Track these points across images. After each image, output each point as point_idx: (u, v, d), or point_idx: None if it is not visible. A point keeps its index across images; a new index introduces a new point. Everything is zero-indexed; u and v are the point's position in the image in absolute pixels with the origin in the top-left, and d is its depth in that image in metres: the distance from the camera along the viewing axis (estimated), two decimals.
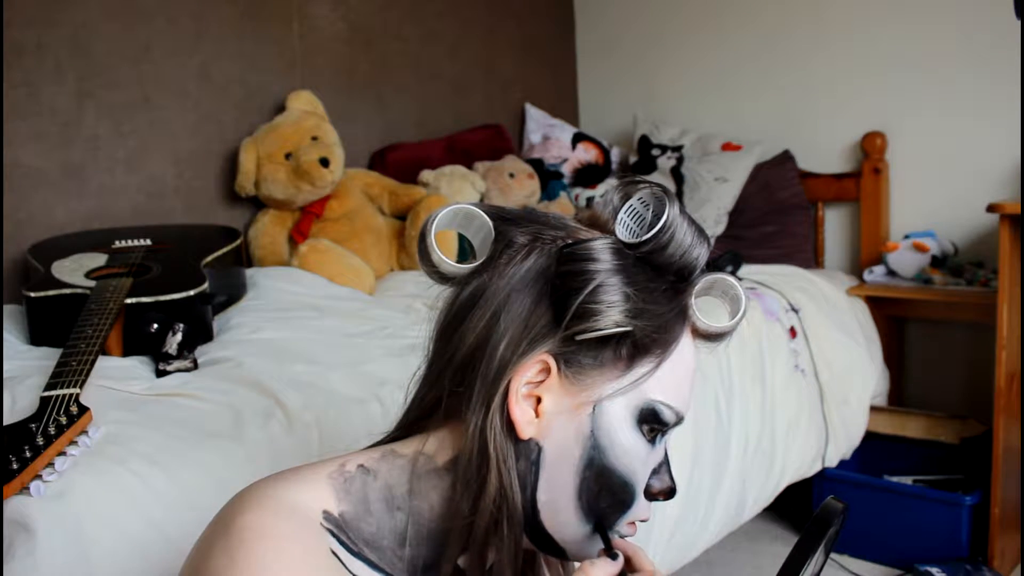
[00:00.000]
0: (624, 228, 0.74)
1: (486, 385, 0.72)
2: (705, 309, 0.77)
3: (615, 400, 0.73)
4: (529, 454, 0.73)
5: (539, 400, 0.73)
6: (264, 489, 0.70)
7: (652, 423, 0.74)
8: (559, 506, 0.73)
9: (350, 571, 0.70)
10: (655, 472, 0.76)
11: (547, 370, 0.72)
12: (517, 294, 0.73)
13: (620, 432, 0.73)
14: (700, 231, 0.75)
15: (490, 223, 0.76)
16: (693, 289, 0.75)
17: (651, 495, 0.76)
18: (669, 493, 0.77)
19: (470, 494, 0.72)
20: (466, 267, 0.76)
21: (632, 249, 0.73)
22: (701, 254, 0.75)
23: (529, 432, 0.72)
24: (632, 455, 0.73)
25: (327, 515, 0.70)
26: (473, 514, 0.72)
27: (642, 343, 0.72)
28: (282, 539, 0.66)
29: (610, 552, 0.73)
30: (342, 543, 0.70)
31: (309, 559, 0.66)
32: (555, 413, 0.72)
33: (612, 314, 0.70)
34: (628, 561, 0.75)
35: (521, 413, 0.72)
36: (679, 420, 0.76)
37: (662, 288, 0.74)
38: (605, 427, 0.72)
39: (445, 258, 0.75)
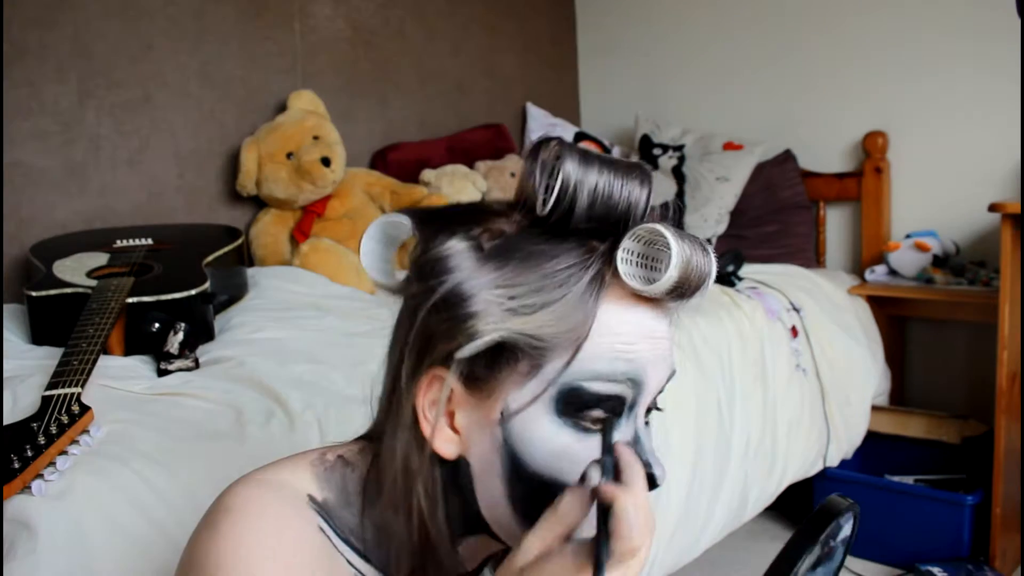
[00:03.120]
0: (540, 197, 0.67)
1: (396, 409, 0.69)
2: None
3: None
4: (459, 470, 0.69)
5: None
6: (250, 474, 0.71)
7: (578, 404, 0.65)
8: (499, 515, 0.69)
9: (338, 551, 0.69)
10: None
11: (451, 386, 0.67)
12: (404, 311, 0.70)
13: (537, 434, 0.65)
14: (629, 168, 0.67)
15: (410, 227, 0.69)
16: (618, 248, 0.66)
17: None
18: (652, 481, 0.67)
19: (402, 515, 0.69)
20: (392, 283, 0.71)
21: (544, 222, 0.66)
22: (630, 194, 0.66)
23: (450, 451, 0.68)
24: (559, 456, 0.65)
25: (312, 499, 0.70)
26: (408, 533, 0.69)
27: (535, 346, 0.65)
28: (265, 510, 0.66)
29: (599, 464, 0.62)
30: (330, 526, 0.70)
31: (291, 529, 0.66)
32: (469, 427, 0.68)
33: (473, 326, 0.64)
34: (618, 472, 0.62)
35: (437, 434, 0.67)
36: (632, 383, 0.66)
37: (561, 267, 0.65)
38: (517, 433, 0.66)
39: (373, 273, 0.71)
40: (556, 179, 0.65)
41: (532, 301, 0.64)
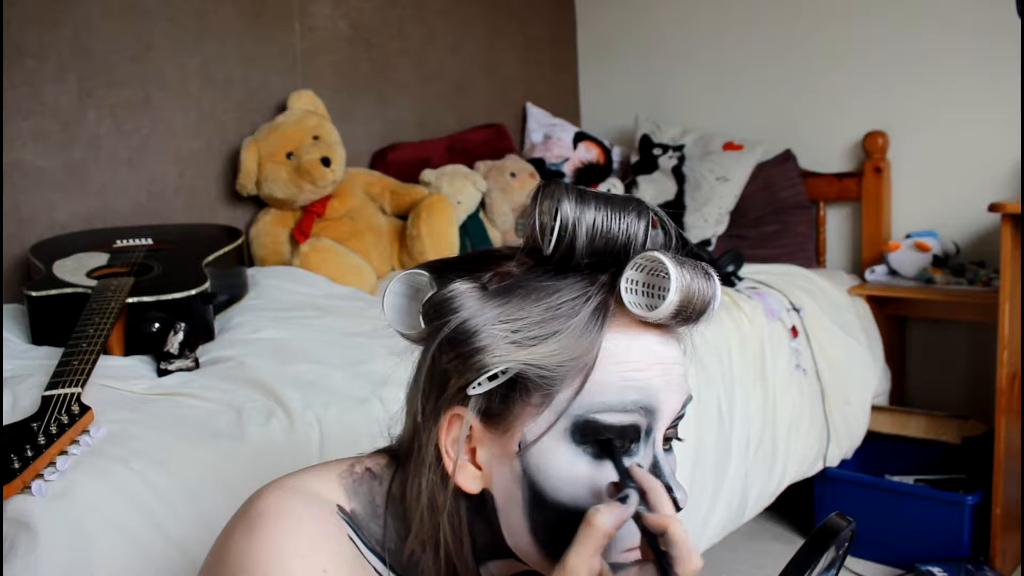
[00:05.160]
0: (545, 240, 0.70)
1: (418, 449, 0.72)
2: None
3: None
4: (484, 504, 0.72)
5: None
6: (282, 480, 0.73)
7: (596, 435, 0.68)
8: (522, 544, 0.71)
9: (367, 560, 0.71)
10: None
11: (470, 423, 0.70)
12: (423, 354, 0.73)
13: (554, 464, 0.68)
14: (626, 202, 0.69)
15: (428, 281, 0.73)
16: (621, 278, 0.68)
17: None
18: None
19: (430, 549, 0.72)
20: (415, 332, 0.74)
21: (550, 261, 0.70)
22: (628, 227, 0.69)
23: (475, 487, 0.71)
24: (578, 484, 0.67)
25: (340, 509, 0.72)
26: (436, 568, 0.72)
27: (544, 376, 0.67)
28: (301, 517, 0.68)
29: (620, 493, 0.66)
30: (358, 535, 0.72)
31: (326, 537, 0.68)
32: (490, 461, 0.71)
33: (480, 360, 0.67)
34: (644, 496, 0.67)
35: (460, 471, 0.71)
36: (645, 411, 0.68)
37: (564, 300, 0.68)
38: (535, 464, 0.68)
39: (397, 325, 0.76)
40: (555, 220, 0.67)
41: (536, 333, 0.67)
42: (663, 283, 0.67)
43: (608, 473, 0.68)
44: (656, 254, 0.67)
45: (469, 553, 0.72)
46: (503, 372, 0.68)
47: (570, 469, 0.68)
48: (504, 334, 0.67)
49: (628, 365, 0.68)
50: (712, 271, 0.70)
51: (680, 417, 0.72)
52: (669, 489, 0.69)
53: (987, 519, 2.18)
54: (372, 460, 0.77)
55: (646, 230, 0.70)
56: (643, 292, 0.69)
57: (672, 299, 0.66)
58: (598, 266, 0.70)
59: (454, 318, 0.68)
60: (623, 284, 0.68)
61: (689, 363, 0.74)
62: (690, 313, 0.68)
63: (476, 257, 0.74)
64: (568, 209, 0.68)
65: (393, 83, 2.72)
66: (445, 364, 0.69)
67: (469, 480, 0.71)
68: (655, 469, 0.70)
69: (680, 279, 0.66)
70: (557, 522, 0.68)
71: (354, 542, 0.71)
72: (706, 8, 3.00)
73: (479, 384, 0.68)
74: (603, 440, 0.68)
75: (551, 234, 0.68)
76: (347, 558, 0.69)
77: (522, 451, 0.68)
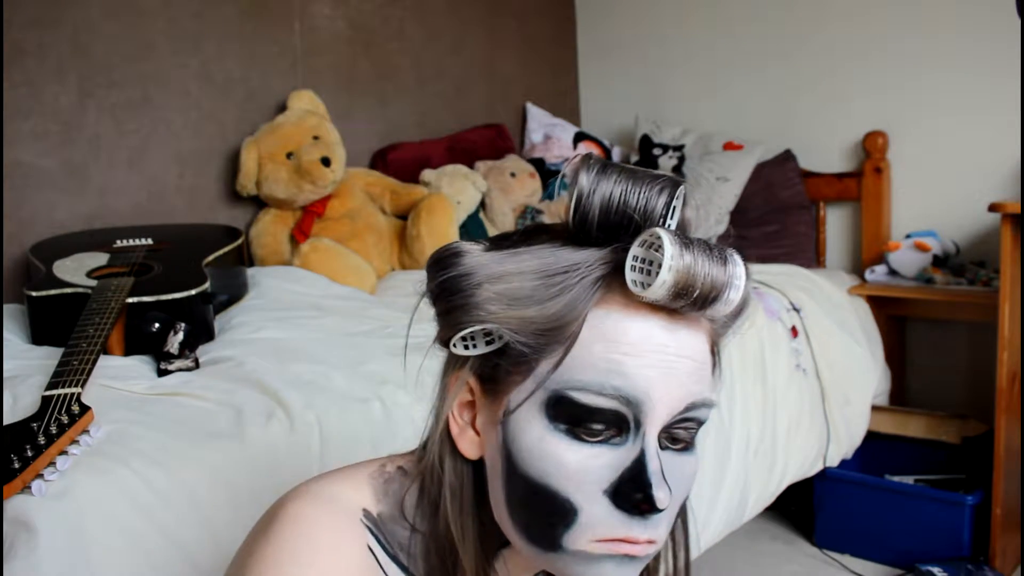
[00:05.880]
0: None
1: (437, 414, 0.73)
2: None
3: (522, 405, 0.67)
4: (480, 471, 0.72)
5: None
6: (308, 484, 0.72)
7: (572, 414, 0.65)
8: (502, 517, 0.70)
9: (384, 571, 0.70)
10: (625, 479, 0.65)
11: (471, 390, 0.71)
12: None
13: (527, 435, 0.66)
14: (653, 178, 0.66)
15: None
16: (629, 252, 0.64)
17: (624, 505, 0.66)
18: (645, 503, 0.65)
19: (434, 514, 0.72)
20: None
21: (572, 229, 0.68)
22: (648, 202, 0.65)
23: (473, 452, 0.71)
24: (546, 459, 0.65)
25: (366, 513, 0.71)
26: (436, 535, 0.71)
27: (521, 342, 0.66)
28: (315, 526, 0.67)
29: None
30: (380, 543, 0.71)
31: (340, 548, 0.67)
32: (484, 428, 0.71)
33: (458, 315, 0.67)
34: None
35: (459, 432, 0.71)
36: (625, 401, 0.64)
37: (561, 269, 0.66)
38: (512, 433, 0.67)
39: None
40: (574, 191, 0.66)
41: (524, 296, 0.66)
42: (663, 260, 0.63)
43: (583, 458, 0.65)
44: (658, 230, 0.63)
45: (470, 521, 0.70)
46: (499, 337, 0.67)
47: (540, 443, 0.65)
48: (487, 295, 0.66)
49: (618, 347, 0.64)
50: (736, 256, 0.64)
51: (693, 420, 0.67)
52: (648, 486, 0.64)
53: (987, 519, 2.18)
54: (405, 458, 0.76)
55: (666, 206, 0.65)
56: (652, 271, 0.63)
57: (664, 277, 0.61)
58: (613, 241, 0.67)
59: (447, 271, 0.68)
60: (628, 260, 0.64)
61: (715, 367, 0.69)
62: (696, 297, 0.62)
63: (524, 229, 0.74)
64: (585, 180, 0.65)
65: (393, 83, 2.73)
66: (434, 317, 0.70)
67: (468, 445, 0.71)
68: (639, 463, 0.65)
69: (677, 257, 0.61)
70: (526, 497, 0.66)
71: (372, 551, 0.69)
72: (706, 8, 3.00)
73: (455, 345, 0.68)
74: (599, 430, 0.66)
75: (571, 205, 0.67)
76: (354, 569, 0.68)
77: (504, 419, 0.68)
